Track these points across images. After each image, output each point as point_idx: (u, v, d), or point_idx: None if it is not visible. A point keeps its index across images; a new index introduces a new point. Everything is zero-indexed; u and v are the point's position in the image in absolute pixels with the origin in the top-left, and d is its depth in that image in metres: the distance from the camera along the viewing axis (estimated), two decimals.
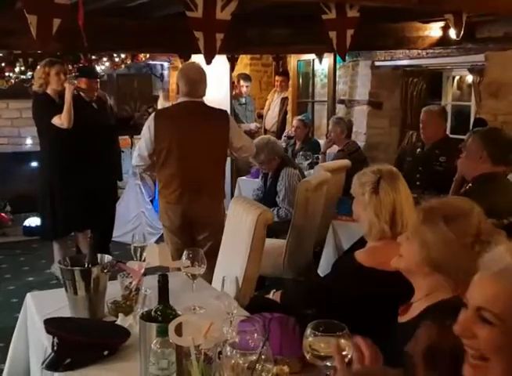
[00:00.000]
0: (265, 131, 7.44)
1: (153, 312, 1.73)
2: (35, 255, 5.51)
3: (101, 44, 3.60)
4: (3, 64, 4.95)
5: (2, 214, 6.23)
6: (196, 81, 3.62)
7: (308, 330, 1.47)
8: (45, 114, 4.37)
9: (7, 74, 5.15)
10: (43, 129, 4.49)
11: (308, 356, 1.48)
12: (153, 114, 3.74)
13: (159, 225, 5.10)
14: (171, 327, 1.62)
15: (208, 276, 2.89)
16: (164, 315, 1.70)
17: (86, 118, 4.51)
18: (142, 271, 2.24)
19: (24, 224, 6.23)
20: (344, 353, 1.39)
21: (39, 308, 2.37)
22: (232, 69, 4.31)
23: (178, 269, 2.43)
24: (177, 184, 3.61)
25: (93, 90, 4.79)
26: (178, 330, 1.64)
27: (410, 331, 1.43)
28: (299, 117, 6.61)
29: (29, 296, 2.54)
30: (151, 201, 5.94)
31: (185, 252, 2.30)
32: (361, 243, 2.42)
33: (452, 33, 4.76)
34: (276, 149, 4.78)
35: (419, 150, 4.35)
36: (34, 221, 6.00)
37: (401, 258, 1.73)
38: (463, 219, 1.58)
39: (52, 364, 1.91)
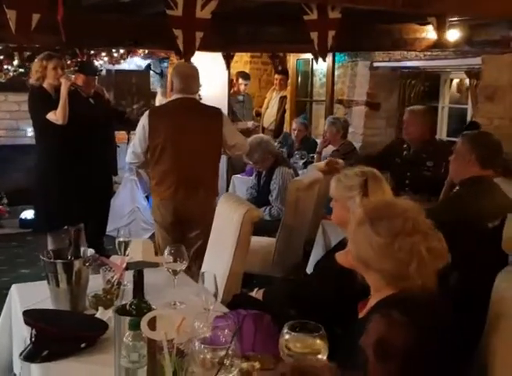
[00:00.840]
0: (263, 130, 7.46)
1: (127, 306, 1.75)
2: (30, 248, 5.54)
3: (95, 40, 3.62)
4: (1, 57, 4.97)
5: None
6: (189, 77, 3.67)
7: (285, 330, 1.48)
8: (40, 109, 4.39)
9: (5, 67, 5.17)
10: (38, 123, 4.50)
11: (282, 354, 1.49)
12: (147, 112, 3.77)
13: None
14: (144, 320, 1.64)
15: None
16: (138, 309, 1.73)
17: (82, 114, 4.54)
18: (124, 265, 2.27)
19: (20, 216, 6.27)
20: (319, 356, 1.42)
21: (22, 299, 2.40)
22: (227, 66, 4.31)
23: None
24: (171, 181, 3.63)
25: (90, 87, 4.81)
26: (152, 325, 1.67)
27: (363, 326, 1.48)
28: (299, 119, 6.62)
29: (14, 287, 2.57)
30: (147, 197, 5.96)
31: (167, 248, 2.32)
32: (343, 244, 2.44)
33: (452, 35, 4.81)
34: (270, 148, 4.80)
35: (405, 152, 4.28)
36: (30, 213, 6.03)
37: (346, 254, 1.81)
38: (386, 221, 1.64)
39: (29, 355, 1.94)
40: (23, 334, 2.13)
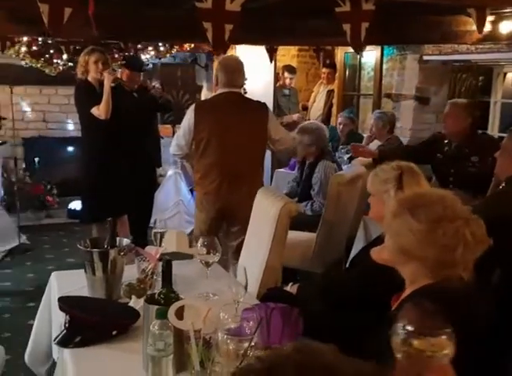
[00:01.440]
0: None
1: (156, 295, 1.77)
2: (76, 238, 5.64)
3: (140, 34, 3.66)
4: (51, 51, 5.10)
5: (49, 197, 6.44)
6: (234, 71, 3.68)
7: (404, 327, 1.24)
8: (85, 102, 4.46)
9: (55, 60, 5.29)
10: (83, 117, 4.59)
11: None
12: (193, 105, 3.80)
13: None
14: (172, 310, 1.66)
15: None
16: (166, 298, 1.75)
17: (125, 108, 4.61)
18: (158, 256, 2.29)
19: (69, 207, 6.43)
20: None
21: (61, 286, 2.47)
22: (270, 60, 4.29)
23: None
24: (215, 175, 3.65)
25: (134, 82, 4.87)
26: (180, 314, 1.68)
27: (394, 318, 1.45)
28: (345, 113, 6.54)
29: (53, 275, 2.64)
30: (191, 191, 6.02)
31: (200, 240, 2.33)
32: (380, 240, 2.40)
33: (505, 27, 4.63)
34: (320, 138, 4.72)
35: (446, 148, 4.15)
36: (78, 204, 6.15)
37: (382, 250, 1.77)
38: (425, 208, 1.63)
39: (63, 341, 1.99)
40: (60, 321, 2.19)
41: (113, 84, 4.39)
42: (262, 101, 3.87)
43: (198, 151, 3.69)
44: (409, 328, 1.21)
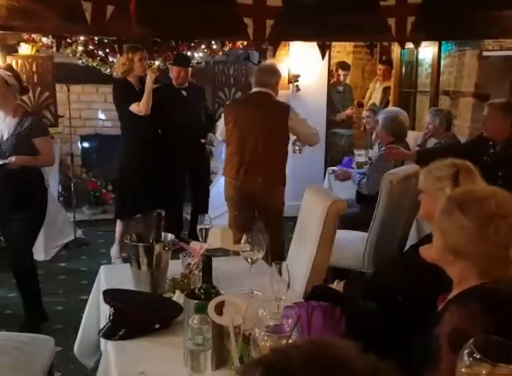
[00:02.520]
0: None
1: (196, 290, 1.77)
2: (129, 233, 5.77)
3: (181, 31, 3.68)
4: (107, 50, 5.20)
5: (104, 192, 6.59)
6: (265, 72, 4.09)
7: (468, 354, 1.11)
8: (124, 100, 4.55)
9: (111, 59, 5.40)
10: (123, 115, 4.68)
11: None
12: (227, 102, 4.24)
13: None
14: (211, 305, 1.65)
15: None
16: (206, 293, 1.74)
17: (172, 104, 4.67)
18: (202, 251, 2.29)
19: None
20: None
21: (108, 280, 2.51)
22: (323, 57, 4.26)
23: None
24: (235, 161, 4.06)
25: (182, 78, 4.91)
26: (219, 310, 1.67)
27: (440, 318, 1.41)
28: (368, 107, 6.40)
29: (102, 269, 2.69)
30: None
31: (243, 237, 2.32)
32: (429, 238, 2.34)
33: None
34: (395, 127, 4.66)
35: (491, 150, 3.97)
36: None
37: (430, 248, 1.71)
38: (476, 205, 1.56)
39: (107, 333, 2.02)
40: (107, 313, 2.23)
41: (154, 86, 4.46)
42: (315, 98, 4.49)
43: (226, 140, 4.20)
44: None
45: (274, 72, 4.10)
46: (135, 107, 4.46)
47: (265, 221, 4.18)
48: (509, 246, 1.51)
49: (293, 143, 4.32)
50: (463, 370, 1.10)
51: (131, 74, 4.53)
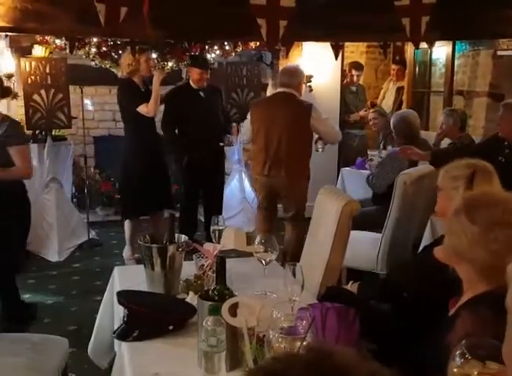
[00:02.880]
0: None
1: (210, 292, 1.76)
2: (140, 234, 5.79)
3: (195, 33, 3.69)
4: (120, 52, 5.22)
5: (117, 194, 6.59)
6: (290, 74, 4.30)
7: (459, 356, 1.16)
8: (130, 101, 4.55)
9: None
10: (128, 116, 4.68)
11: None
12: (253, 101, 4.64)
13: None
14: (225, 306, 1.65)
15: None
16: (220, 295, 1.74)
17: (191, 105, 4.68)
18: (216, 253, 2.29)
19: None
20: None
21: (122, 280, 2.51)
22: (336, 57, 4.25)
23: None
24: (261, 158, 4.29)
25: (203, 80, 4.91)
26: (233, 311, 1.67)
27: (452, 323, 1.39)
28: (374, 109, 6.34)
29: (116, 270, 2.69)
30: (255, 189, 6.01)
31: (257, 238, 2.31)
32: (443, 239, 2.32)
33: None
34: (404, 128, 4.71)
35: (507, 150, 3.93)
36: None
37: (442, 249, 1.71)
38: (484, 210, 1.55)
39: (122, 334, 2.02)
40: (121, 314, 2.23)
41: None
42: (328, 98, 4.73)
43: (252, 138, 4.41)
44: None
45: (297, 73, 4.34)
46: (143, 108, 4.47)
47: (288, 213, 4.38)
48: (505, 256, 1.43)
49: (316, 142, 4.50)
50: (455, 370, 1.15)
51: (137, 74, 4.54)
